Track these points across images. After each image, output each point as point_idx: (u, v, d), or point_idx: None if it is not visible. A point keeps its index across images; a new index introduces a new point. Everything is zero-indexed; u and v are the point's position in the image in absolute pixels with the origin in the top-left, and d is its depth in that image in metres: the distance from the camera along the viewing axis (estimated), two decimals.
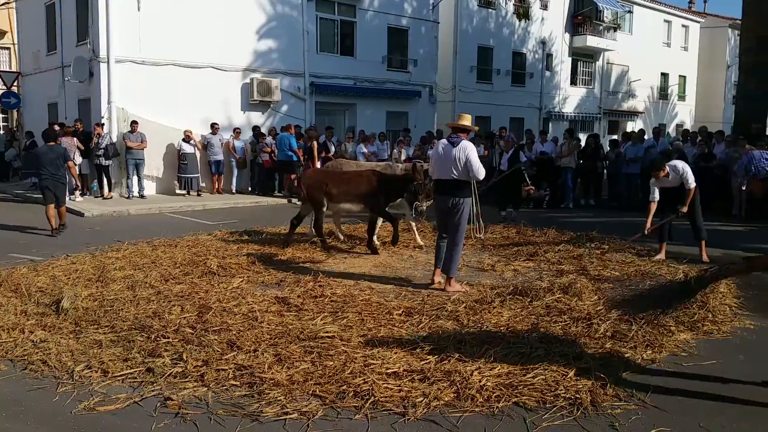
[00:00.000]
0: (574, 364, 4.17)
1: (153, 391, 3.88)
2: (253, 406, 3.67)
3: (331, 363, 4.18)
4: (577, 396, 3.76)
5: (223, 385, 3.94)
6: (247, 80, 17.07)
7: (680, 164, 7.93)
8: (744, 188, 10.61)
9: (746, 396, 3.88)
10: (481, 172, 6.14)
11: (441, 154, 6.28)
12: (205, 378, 4.02)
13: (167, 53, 15.44)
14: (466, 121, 6.52)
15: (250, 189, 16.46)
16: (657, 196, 7.84)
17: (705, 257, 8.05)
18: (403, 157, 16.13)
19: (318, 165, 14.31)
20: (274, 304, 5.64)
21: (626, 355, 4.42)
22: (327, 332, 4.76)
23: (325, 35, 18.97)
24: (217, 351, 4.43)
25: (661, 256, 8.06)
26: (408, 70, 21.08)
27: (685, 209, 7.79)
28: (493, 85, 25.15)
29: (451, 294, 6.05)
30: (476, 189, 6.65)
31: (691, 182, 7.70)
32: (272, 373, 4.04)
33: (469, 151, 6.13)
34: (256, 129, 16.53)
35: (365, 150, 16.49)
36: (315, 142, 15.02)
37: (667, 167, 7.76)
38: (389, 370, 4.04)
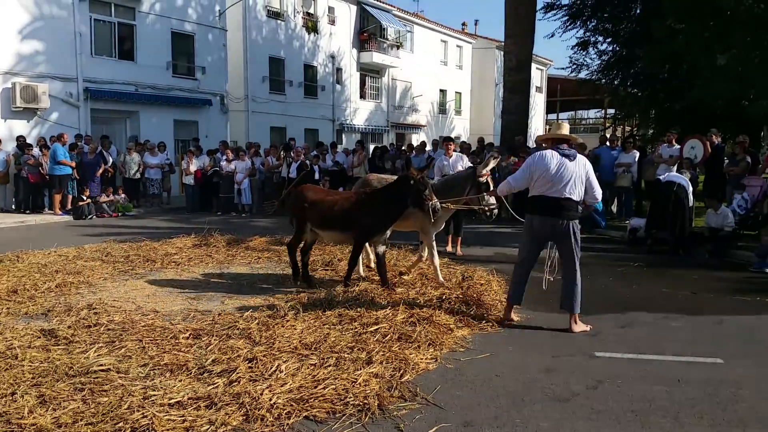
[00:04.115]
0: (364, 370, 4.28)
1: None
2: None
3: (106, 399, 3.78)
4: (366, 401, 3.84)
5: None
6: (8, 85, 15.13)
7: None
8: None
9: (515, 386, 4.29)
10: (599, 195, 5.67)
11: (552, 168, 5.37)
12: None
13: None
14: (566, 130, 5.80)
15: (14, 207, 14.50)
16: None
17: (459, 251, 9.38)
18: (193, 168, 15.50)
19: None
20: (39, 337, 4.98)
21: (411, 355, 4.64)
22: (101, 365, 4.30)
23: (101, 38, 17.55)
24: None
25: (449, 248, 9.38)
26: (196, 78, 20.32)
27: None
28: (286, 96, 25.26)
29: (576, 333, 5.47)
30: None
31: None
32: (33, 418, 3.54)
33: (589, 167, 5.54)
34: (20, 139, 14.64)
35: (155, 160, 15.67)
36: None
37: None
38: (172, 400, 3.76)
